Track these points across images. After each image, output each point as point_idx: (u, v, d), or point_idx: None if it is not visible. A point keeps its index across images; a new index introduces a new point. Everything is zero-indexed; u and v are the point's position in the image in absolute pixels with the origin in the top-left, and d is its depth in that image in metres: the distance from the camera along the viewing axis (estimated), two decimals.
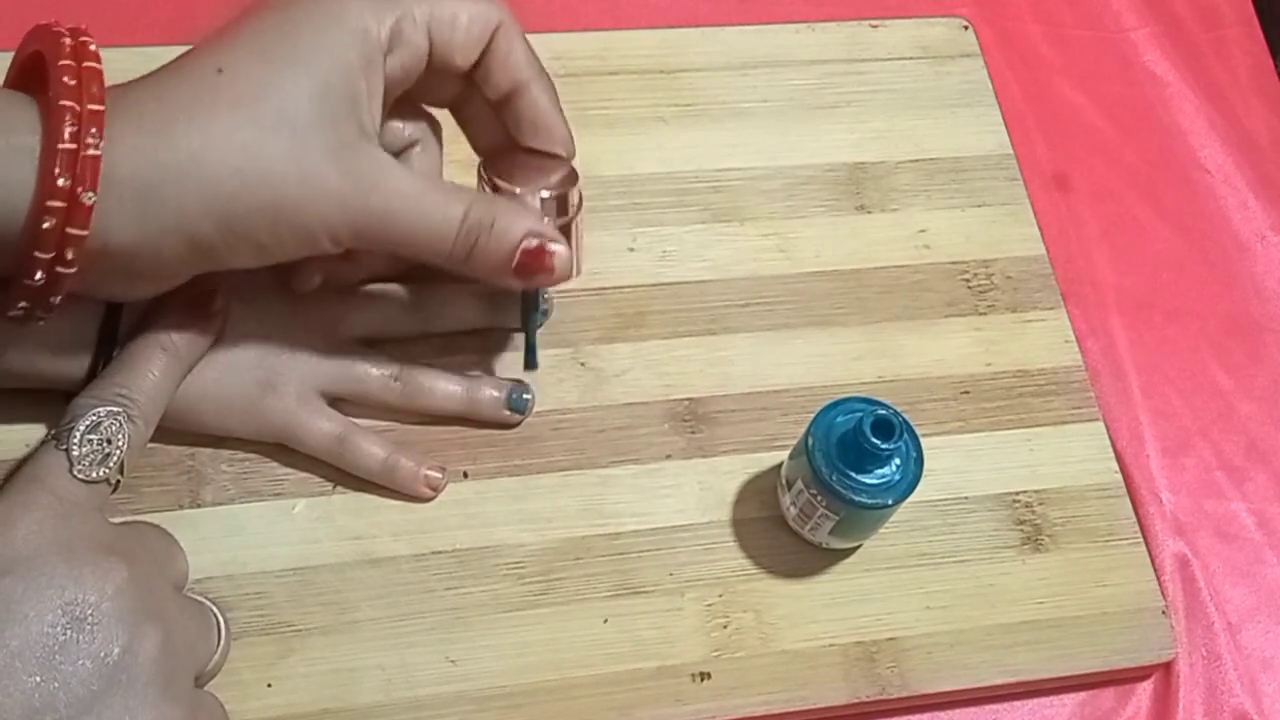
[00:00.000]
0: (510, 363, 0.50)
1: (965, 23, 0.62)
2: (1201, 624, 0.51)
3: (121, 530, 0.39)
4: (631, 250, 0.53)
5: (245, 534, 0.45)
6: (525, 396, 0.49)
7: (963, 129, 0.59)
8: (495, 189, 0.44)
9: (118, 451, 0.39)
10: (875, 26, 0.61)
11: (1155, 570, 0.50)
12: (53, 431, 0.39)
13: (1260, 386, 0.57)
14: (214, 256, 0.38)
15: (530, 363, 0.49)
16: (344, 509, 0.47)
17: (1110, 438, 0.53)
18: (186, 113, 0.36)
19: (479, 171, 0.45)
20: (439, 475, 0.47)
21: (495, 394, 0.48)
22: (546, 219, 0.43)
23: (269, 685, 0.43)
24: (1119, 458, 0.53)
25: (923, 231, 0.56)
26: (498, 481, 0.48)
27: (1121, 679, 0.50)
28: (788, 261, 0.54)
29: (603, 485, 0.48)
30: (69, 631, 0.35)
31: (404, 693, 0.44)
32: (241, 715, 0.42)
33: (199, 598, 0.42)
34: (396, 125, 0.45)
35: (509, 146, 0.45)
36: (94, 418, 0.39)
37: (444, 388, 0.48)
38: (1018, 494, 0.51)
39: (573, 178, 0.45)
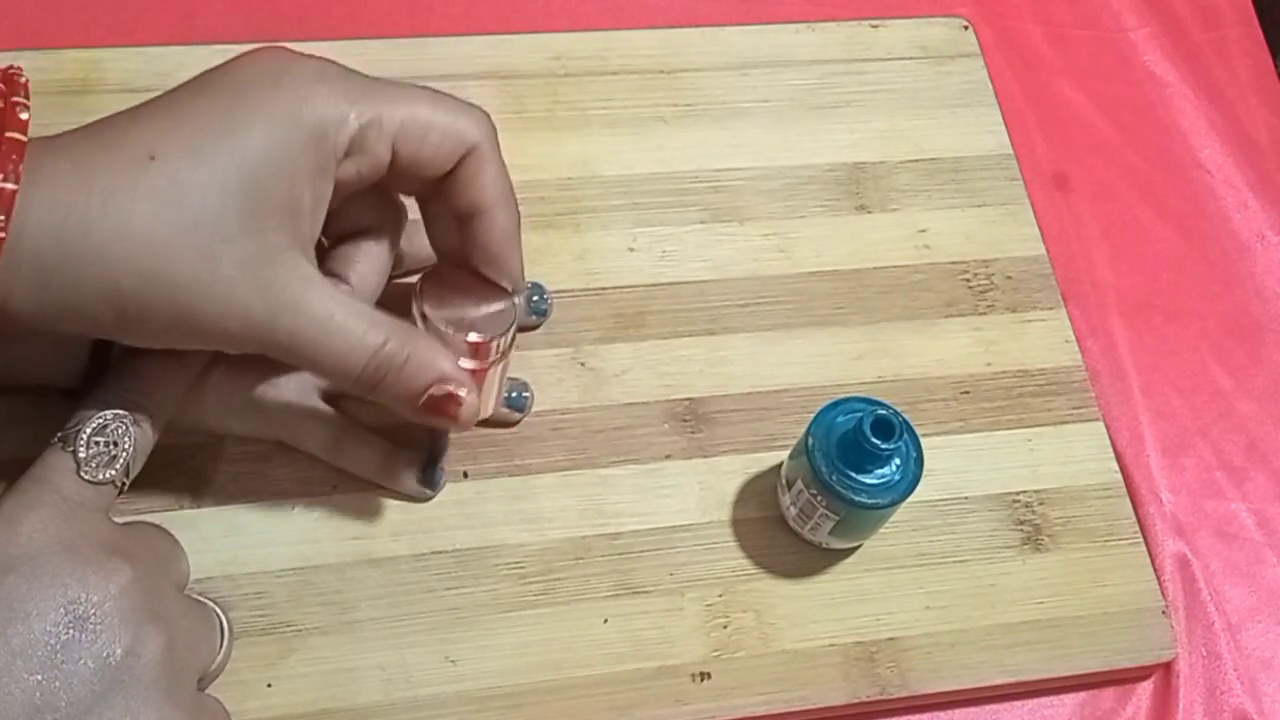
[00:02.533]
0: (513, 364, 0.50)
1: (965, 23, 0.62)
2: (1201, 624, 0.51)
3: (125, 531, 0.39)
4: (631, 250, 0.53)
5: (245, 534, 0.45)
6: (525, 395, 0.49)
7: (963, 129, 0.59)
8: (424, 318, 0.42)
9: (124, 454, 0.39)
10: (875, 26, 0.61)
11: (1155, 570, 0.50)
12: (59, 433, 0.39)
13: (1260, 386, 0.57)
14: (117, 335, 0.37)
15: (430, 481, 0.47)
16: (344, 509, 0.47)
17: (1110, 438, 0.53)
18: (103, 199, 0.34)
19: (415, 288, 0.43)
20: (439, 475, 0.47)
21: None
22: (466, 361, 0.42)
23: (269, 685, 0.43)
24: (1119, 458, 0.53)
25: (923, 231, 0.56)
26: (498, 481, 0.48)
27: (1121, 679, 0.50)
28: (788, 261, 0.54)
29: (603, 485, 0.48)
30: (71, 631, 0.34)
31: (404, 693, 0.44)
32: (241, 715, 0.42)
33: (202, 598, 0.42)
34: (352, 209, 0.43)
35: (462, 259, 0.43)
36: (100, 420, 0.39)
37: None
38: (1018, 494, 0.51)
39: (509, 315, 0.43)
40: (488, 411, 0.44)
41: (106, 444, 0.39)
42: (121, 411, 0.40)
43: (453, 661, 0.45)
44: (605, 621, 0.46)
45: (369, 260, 0.44)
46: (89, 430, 0.39)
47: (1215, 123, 0.64)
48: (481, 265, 0.43)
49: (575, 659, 0.45)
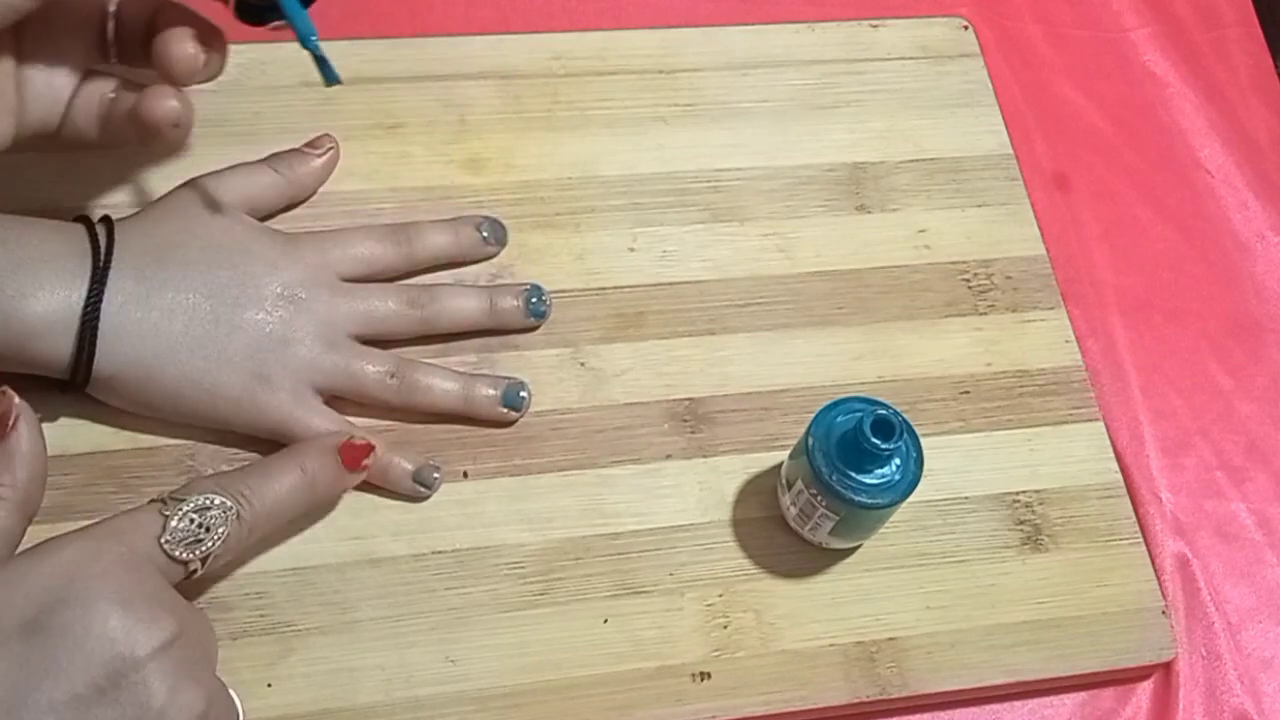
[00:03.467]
0: (508, 363, 0.50)
1: (965, 23, 0.62)
2: (1201, 624, 0.51)
3: (177, 597, 0.39)
4: (631, 250, 0.53)
5: None
6: (522, 394, 0.49)
7: (963, 129, 0.59)
8: None
9: (211, 541, 0.39)
10: (875, 26, 0.61)
11: (1155, 570, 0.50)
12: (165, 494, 0.39)
13: (1260, 386, 0.57)
14: None
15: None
16: (344, 509, 0.47)
17: (1110, 438, 0.53)
18: None
19: None
20: (435, 476, 0.47)
21: (492, 392, 0.48)
22: None
23: (269, 685, 0.43)
24: (1119, 458, 0.53)
25: (923, 231, 0.56)
26: (498, 481, 0.48)
27: (1121, 679, 0.50)
28: (788, 261, 0.54)
29: (603, 485, 0.48)
30: (109, 689, 0.34)
31: (404, 693, 0.44)
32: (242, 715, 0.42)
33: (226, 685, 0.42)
34: None
35: None
36: (205, 501, 0.39)
37: (440, 385, 0.48)
38: (1018, 494, 0.51)
39: None
40: None
41: (199, 525, 0.39)
42: (229, 502, 0.40)
43: (453, 661, 0.45)
44: (605, 621, 0.46)
45: None
46: (190, 505, 0.39)
47: (1215, 123, 0.64)
48: None
49: (575, 659, 0.45)
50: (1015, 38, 0.64)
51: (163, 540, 0.38)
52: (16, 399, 0.39)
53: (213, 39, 0.43)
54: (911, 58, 0.61)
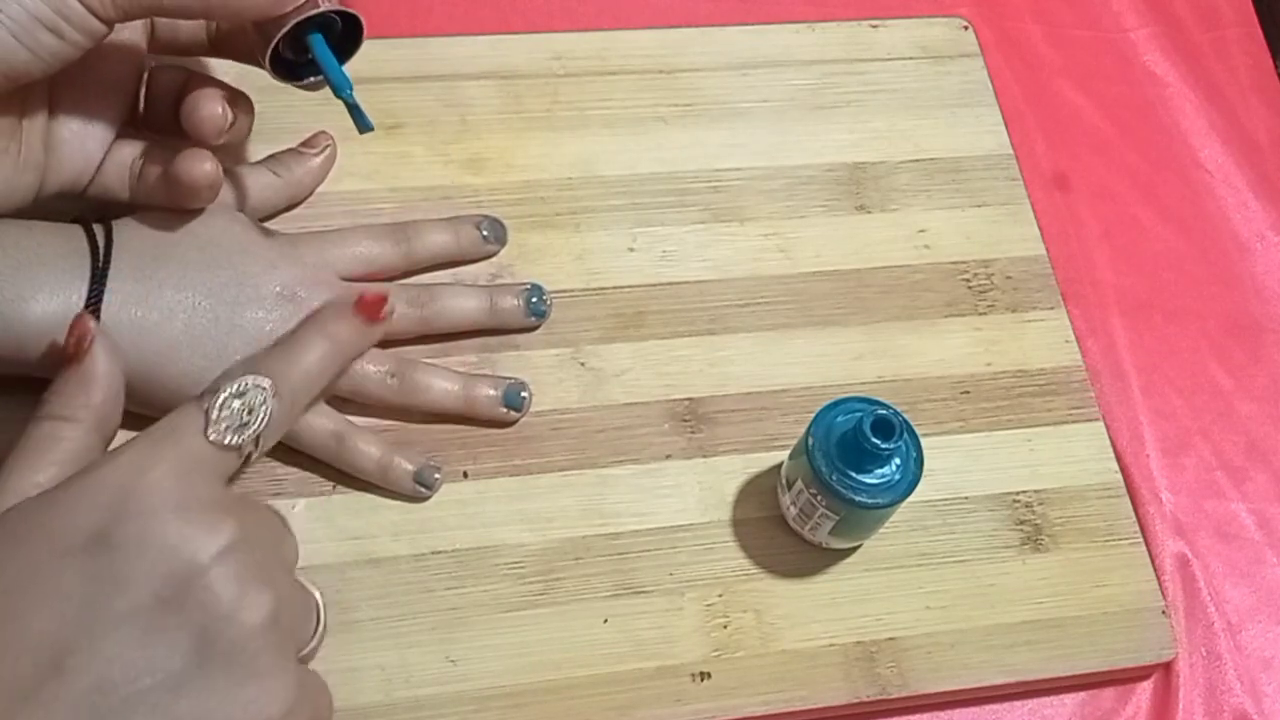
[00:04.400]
0: (508, 362, 0.50)
1: (965, 23, 0.62)
2: (1201, 624, 0.51)
3: (239, 499, 0.39)
4: (631, 250, 0.53)
5: None
6: (522, 394, 0.49)
7: (963, 129, 0.59)
8: None
9: (257, 423, 0.39)
10: (875, 26, 0.61)
11: (1155, 570, 0.50)
12: (202, 390, 0.39)
13: (1260, 386, 0.57)
14: None
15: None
16: (344, 509, 0.47)
17: (1110, 438, 0.53)
18: None
19: None
20: (437, 476, 0.47)
21: (492, 392, 0.48)
22: None
23: None
24: (1119, 458, 0.53)
25: (923, 231, 0.56)
26: (498, 481, 0.48)
27: (1121, 679, 0.50)
28: (788, 261, 0.54)
29: (603, 485, 0.48)
30: (174, 600, 0.34)
31: (404, 693, 0.44)
32: None
33: (305, 582, 0.41)
34: None
35: None
36: (242, 386, 0.39)
37: (441, 385, 0.48)
38: (1018, 494, 0.51)
39: None
40: None
41: (243, 410, 0.38)
42: (264, 381, 0.39)
43: (453, 661, 0.45)
44: (605, 621, 0.46)
45: None
46: (227, 392, 0.38)
47: (1215, 123, 0.64)
48: None
49: (575, 659, 0.45)
50: (1015, 38, 0.64)
51: (209, 433, 0.37)
52: (93, 321, 0.39)
53: (240, 101, 0.46)
54: (911, 58, 0.61)
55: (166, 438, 0.37)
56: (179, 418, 0.38)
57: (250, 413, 0.38)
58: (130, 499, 0.35)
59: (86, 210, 0.46)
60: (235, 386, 0.39)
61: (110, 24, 0.39)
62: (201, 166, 0.44)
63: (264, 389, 0.39)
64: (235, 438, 0.38)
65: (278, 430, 0.40)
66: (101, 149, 0.45)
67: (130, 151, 0.46)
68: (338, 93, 0.44)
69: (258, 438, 0.39)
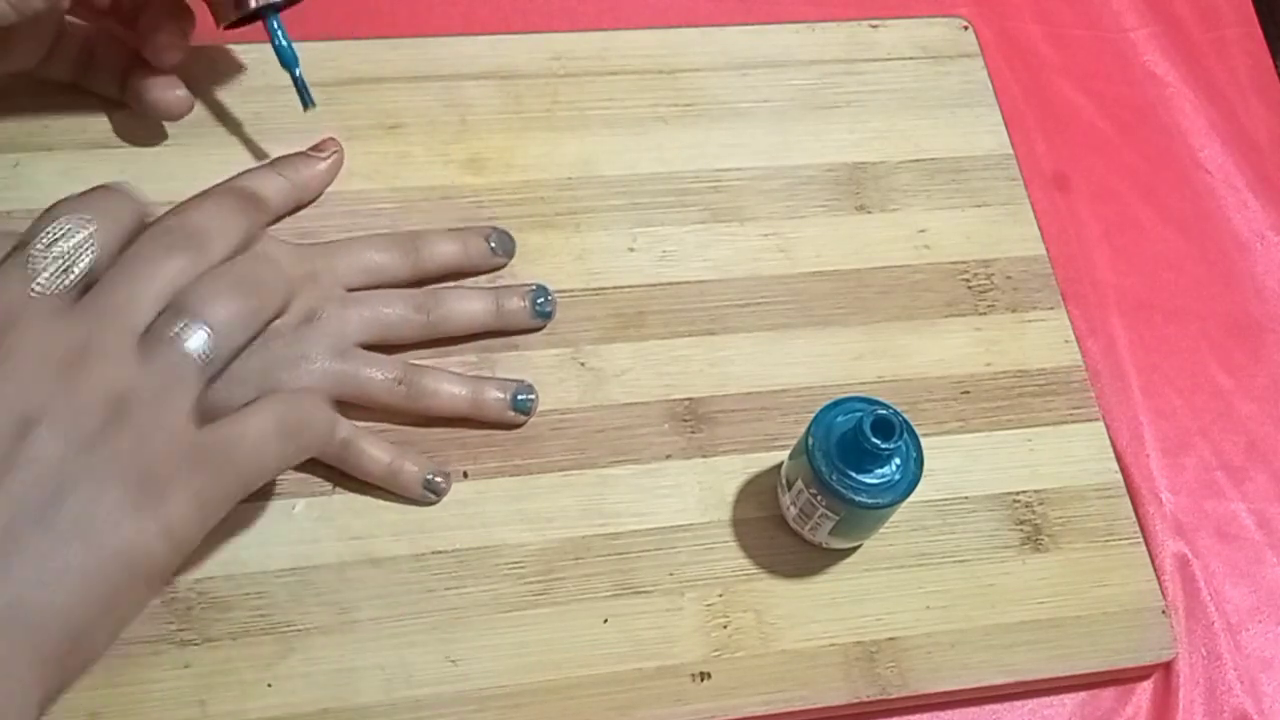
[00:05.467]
0: (509, 363, 0.50)
1: (965, 23, 0.62)
2: (1201, 624, 0.51)
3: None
4: (631, 250, 0.53)
5: (245, 534, 0.45)
6: (529, 397, 0.49)
7: (963, 129, 0.59)
8: None
9: (81, 262, 0.37)
10: (875, 26, 0.61)
11: (1155, 570, 0.50)
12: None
13: (1260, 386, 0.57)
14: None
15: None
16: (344, 509, 0.47)
17: (1110, 438, 0.53)
18: None
19: None
20: (443, 481, 0.47)
21: (500, 395, 0.48)
22: None
23: (269, 685, 0.43)
24: (1119, 458, 0.53)
25: (923, 231, 0.56)
26: (498, 481, 0.48)
27: (1121, 679, 0.50)
28: (788, 261, 0.54)
29: (603, 485, 0.48)
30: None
31: (404, 693, 0.44)
32: (241, 715, 0.42)
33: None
34: None
35: None
36: (56, 229, 0.36)
37: (448, 390, 0.48)
38: (1018, 494, 0.51)
39: None
40: None
41: (61, 256, 0.36)
42: (78, 219, 0.37)
43: (453, 661, 0.45)
44: (605, 621, 0.46)
45: None
46: (42, 242, 0.36)
47: (1215, 123, 0.64)
48: None
49: (575, 659, 0.45)
50: (1015, 38, 0.64)
51: (35, 286, 0.36)
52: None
53: (186, 16, 0.49)
54: (911, 58, 0.61)
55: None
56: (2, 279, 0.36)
57: (69, 255, 0.36)
58: None
59: None
60: (49, 231, 0.36)
61: None
62: (174, 93, 0.49)
63: (80, 224, 0.37)
64: (62, 282, 0.36)
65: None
66: (50, 37, 0.48)
67: (76, 42, 0.49)
68: (287, 68, 0.49)
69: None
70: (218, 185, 0.46)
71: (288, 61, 0.49)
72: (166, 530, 0.35)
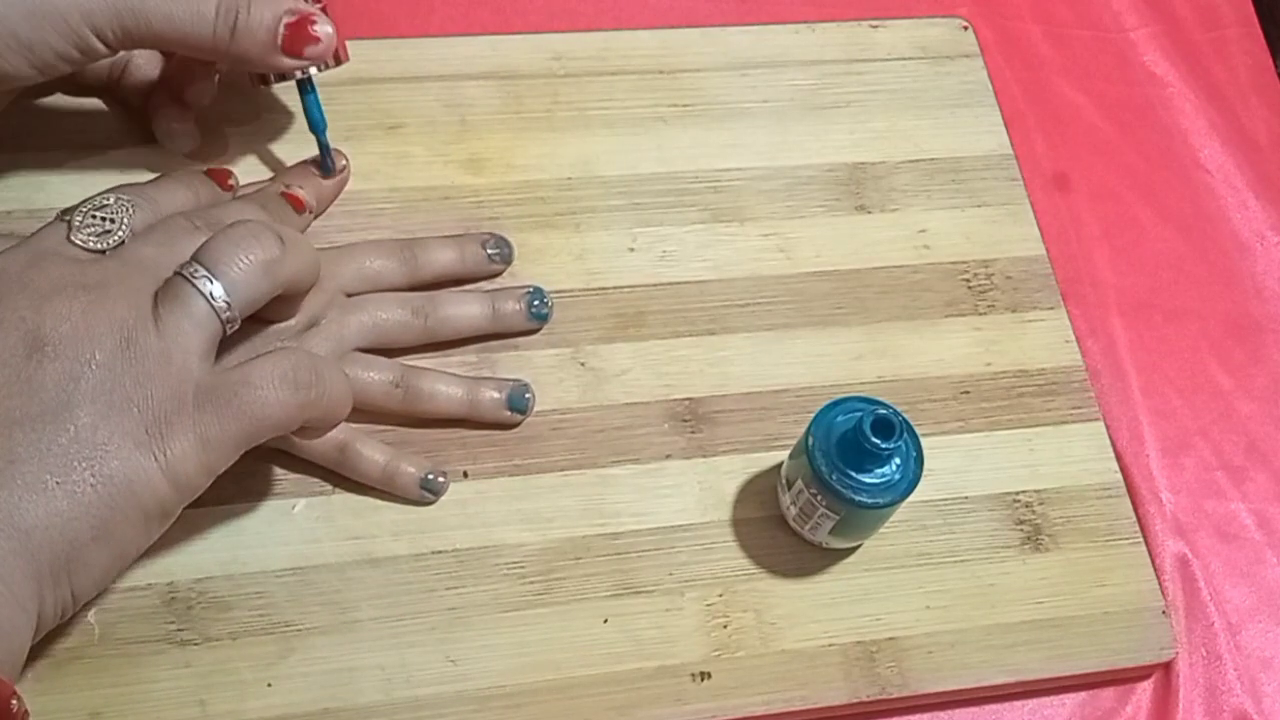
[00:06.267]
0: (509, 363, 0.50)
1: (965, 23, 0.62)
2: (1201, 624, 0.51)
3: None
4: (631, 250, 0.53)
5: (245, 534, 0.45)
6: (526, 396, 0.49)
7: (963, 129, 0.59)
8: None
9: (121, 230, 0.40)
10: (875, 27, 0.61)
11: (1155, 570, 0.50)
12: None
13: (1260, 386, 0.57)
14: None
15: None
16: (344, 509, 0.47)
17: (1110, 438, 0.53)
18: None
19: None
20: (442, 481, 0.47)
21: (496, 395, 0.48)
22: None
23: (269, 685, 0.43)
24: (1119, 458, 0.53)
25: (923, 231, 0.56)
26: (498, 481, 0.48)
27: (1121, 679, 0.50)
28: (788, 261, 0.54)
29: (603, 485, 0.48)
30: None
31: (404, 693, 0.44)
32: (241, 715, 0.42)
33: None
34: None
35: None
36: (103, 199, 0.41)
37: (445, 391, 0.48)
38: (1018, 494, 0.51)
39: None
40: (346, 55, 0.48)
41: (103, 219, 0.40)
42: (125, 196, 0.41)
43: (453, 661, 0.45)
44: (605, 621, 0.46)
45: None
46: (87, 206, 0.40)
47: (1215, 123, 0.64)
48: None
49: (575, 659, 0.45)
50: (1015, 38, 0.64)
51: (72, 237, 0.39)
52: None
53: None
54: (911, 58, 0.61)
55: (28, 246, 0.39)
56: (39, 234, 0.40)
57: (112, 220, 0.40)
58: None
59: None
60: (95, 201, 0.41)
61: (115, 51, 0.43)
62: (184, 126, 0.50)
63: (125, 200, 0.41)
64: (100, 242, 0.40)
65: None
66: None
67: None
68: (315, 133, 0.49)
69: (124, 241, 0.40)
70: (253, 192, 0.48)
71: (317, 128, 0.49)
72: (167, 464, 0.37)
